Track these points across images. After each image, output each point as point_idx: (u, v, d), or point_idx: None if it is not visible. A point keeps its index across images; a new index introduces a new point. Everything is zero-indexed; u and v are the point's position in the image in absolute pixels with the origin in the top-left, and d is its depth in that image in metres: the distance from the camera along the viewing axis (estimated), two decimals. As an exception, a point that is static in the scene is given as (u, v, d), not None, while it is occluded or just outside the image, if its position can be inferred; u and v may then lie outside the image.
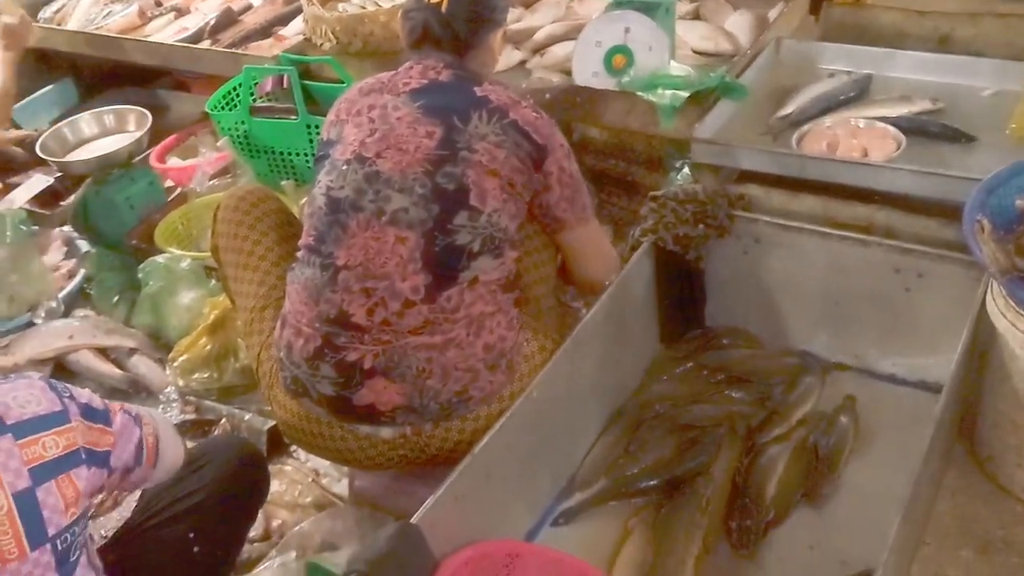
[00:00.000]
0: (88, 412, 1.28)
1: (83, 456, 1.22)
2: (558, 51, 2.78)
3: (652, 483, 1.95)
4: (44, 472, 1.17)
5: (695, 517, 1.85)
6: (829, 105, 2.38)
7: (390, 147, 1.79)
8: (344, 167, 1.82)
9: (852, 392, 2.12)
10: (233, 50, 3.13)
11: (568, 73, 2.60)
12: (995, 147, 2.19)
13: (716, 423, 2.06)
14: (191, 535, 1.50)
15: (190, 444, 2.22)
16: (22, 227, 2.85)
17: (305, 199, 1.91)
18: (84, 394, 1.32)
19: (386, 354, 1.77)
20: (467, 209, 1.77)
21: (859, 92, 2.42)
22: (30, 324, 2.62)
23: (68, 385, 1.32)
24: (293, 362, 1.84)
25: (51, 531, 1.16)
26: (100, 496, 1.44)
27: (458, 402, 1.80)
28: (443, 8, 1.85)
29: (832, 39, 2.74)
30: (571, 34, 2.73)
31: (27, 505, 1.15)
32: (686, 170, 2.37)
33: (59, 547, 1.17)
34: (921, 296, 2.01)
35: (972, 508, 1.84)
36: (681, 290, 2.22)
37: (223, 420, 2.29)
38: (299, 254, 1.87)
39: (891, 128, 2.24)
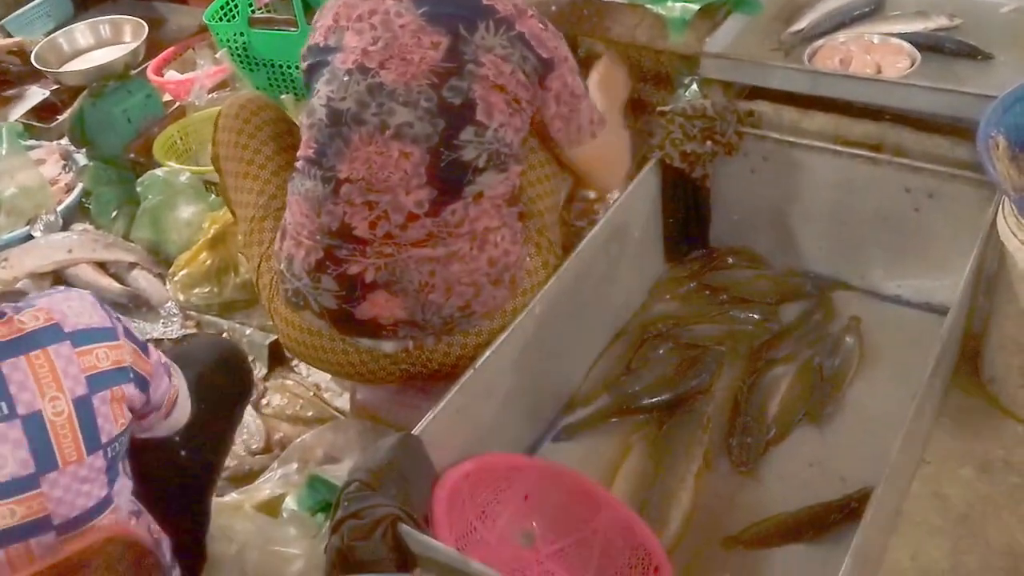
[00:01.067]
0: (131, 336, 1.28)
1: (130, 375, 1.23)
2: (565, -38, 2.70)
3: (654, 400, 1.96)
4: (98, 382, 1.18)
5: (696, 434, 1.86)
6: (843, 20, 2.31)
7: (393, 57, 1.72)
8: (346, 77, 1.74)
9: (857, 313, 2.10)
10: (232, -42, 3.04)
11: (575, -15, 2.53)
12: (1012, 65, 2.13)
13: (718, 342, 2.05)
14: (176, 438, 1.49)
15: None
16: (19, 140, 2.82)
17: (305, 110, 1.84)
18: (125, 322, 1.32)
19: (388, 267, 1.75)
20: (473, 124, 1.72)
21: (874, 7, 2.35)
22: (28, 237, 2.60)
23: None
24: (294, 274, 1.82)
25: (104, 439, 1.18)
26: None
27: (460, 317, 1.79)
28: None
29: (848, -47, 2.65)
30: (579, -56, 2.64)
31: (85, 411, 1.16)
32: (695, 87, 2.31)
33: (109, 454, 1.19)
34: (931, 216, 1.98)
35: (974, 428, 1.84)
36: (687, 208, 2.20)
37: (224, 334, 2.28)
38: (298, 164, 1.82)
39: (906, 44, 2.18)
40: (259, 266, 1.93)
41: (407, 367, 1.83)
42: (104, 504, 1.18)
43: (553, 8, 2.48)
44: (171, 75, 3.10)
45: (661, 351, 2.06)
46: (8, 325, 1.14)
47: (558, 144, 1.89)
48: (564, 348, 1.96)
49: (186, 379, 1.48)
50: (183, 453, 1.52)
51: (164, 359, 1.39)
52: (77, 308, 1.22)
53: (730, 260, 2.23)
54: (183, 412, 1.47)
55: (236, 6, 2.90)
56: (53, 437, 1.13)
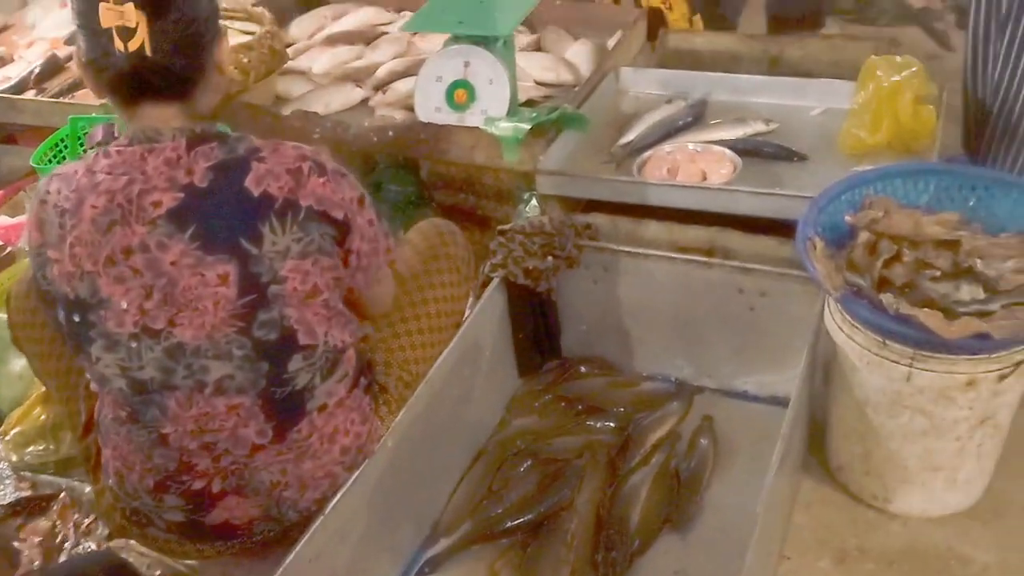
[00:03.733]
0: None
1: None
2: (400, 87, 2.75)
3: (518, 521, 1.92)
4: None
5: (560, 552, 1.84)
6: (668, 131, 2.42)
7: (182, 309, 1.46)
8: (133, 343, 1.48)
9: (709, 412, 2.14)
10: (57, 99, 2.97)
11: (411, 109, 2.57)
12: (826, 164, 2.27)
13: (578, 454, 2.05)
14: None
15: (31, 525, 2.10)
16: None
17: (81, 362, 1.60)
18: None
19: (236, 474, 1.60)
20: (300, 351, 1.53)
21: (696, 117, 2.48)
22: None
23: None
24: (128, 493, 1.65)
25: None
26: None
27: (318, 510, 1.64)
28: (147, 51, 1.40)
29: (669, 65, 2.81)
30: (412, 70, 2.70)
31: None
32: (534, 202, 2.37)
33: None
34: (765, 314, 2.06)
35: (828, 518, 1.88)
36: (536, 322, 2.21)
37: (62, 494, 2.14)
38: (106, 417, 1.62)
39: (727, 151, 2.30)
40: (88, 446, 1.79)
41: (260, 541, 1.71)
42: None
43: (391, 133, 2.52)
44: (1, 220, 2.97)
45: (522, 469, 2.03)
46: None
47: (356, 290, 1.66)
48: (422, 477, 1.91)
49: None
50: None
51: None
52: None
53: (583, 369, 2.25)
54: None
55: (66, 147, 2.82)
56: None
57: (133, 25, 1.38)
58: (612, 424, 2.13)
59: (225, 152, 1.48)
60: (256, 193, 1.46)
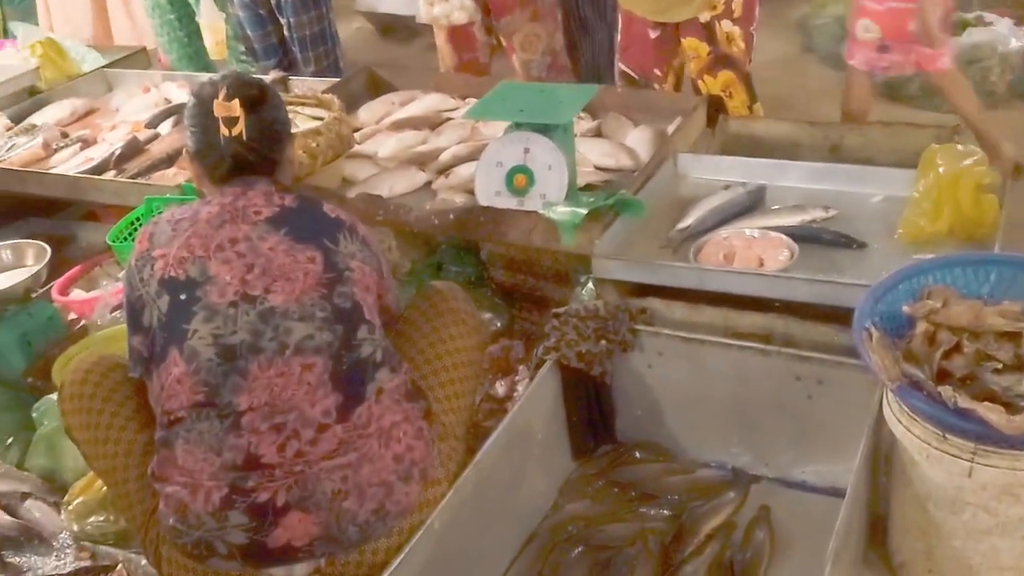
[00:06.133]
0: None
1: None
2: (462, 172, 2.81)
3: (567, 610, 1.90)
4: None
5: (611, 645, 1.80)
6: (725, 217, 2.43)
7: (277, 279, 1.76)
8: (231, 311, 1.74)
9: (766, 502, 2.10)
10: (135, 180, 3.11)
11: (472, 193, 2.63)
12: (885, 253, 2.25)
13: (630, 542, 2.01)
14: None
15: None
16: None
17: (164, 364, 1.75)
18: None
19: (299, 484, 1.72)
20: (365, 323, 1.81)
21: (754, 203, 2.48)
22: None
23: None
24: (191, 524, 1.74)
25: None
26: None
27: (376, 521, 1.76)
28: (244, 136, 1.83)
29: (729, 151, 2.83)
30: (474, 155, 2.77)
31: None
32: (590, 285, 2.38)
33: None
34: (823, 402, 2.02)
35: (888, 618, 1.81)
36: (590, 406, 2.21)
37: (119, 566, 2.17)
38: (179, 415, 1.74)
39: (785, 237, 2.30)
40: (145, 523, 1.85)
41: None
42: None
43: (451, 216, 2.57)
44: (77, 294, 3.08)
45: (573, 555, 2.01)
46: None
47: (387, 313, 1.97)
48: (471, 559, 1.90)
49: None
50: None
51: None
52: None
53: (637, 455, 2.23)
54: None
55: (140, 226, 2.93)
56: None
57: (237, 115, 1.82)
58: (666, 511, 2.10)
59: (307, 198, 1.93)
60: (331, 216, 1.88)
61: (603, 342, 2.09)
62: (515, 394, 2.39)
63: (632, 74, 3.38)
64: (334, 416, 1.74)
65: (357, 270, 1.83)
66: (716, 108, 3.07)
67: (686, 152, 2.78)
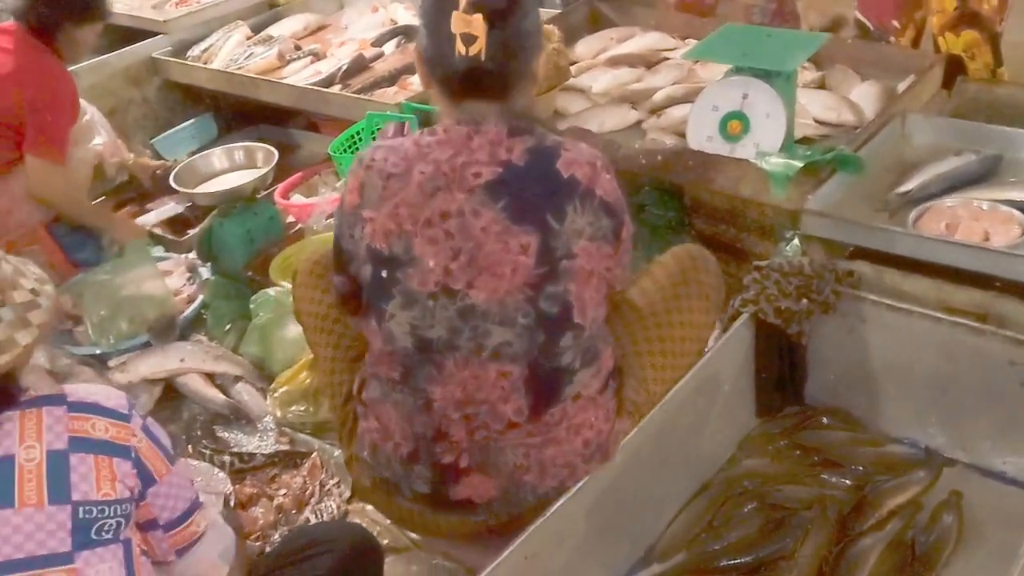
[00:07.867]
0: (151, 435, 1.37)
1: (132, 455, 1.32)
2: (675, 113, 2.77)
3: (733, 562, 1.89)
4: (84, 445, 1.28)
5: (775, 603, 1.78)
6: (952, 184, 2.29)
7: (482, 272, 1.59)
8: (430, 302, 1.62)
9: (958, 487, 2.00)
10: (359, 95, 3.24)
11: (683, 136, 2.59)
12: None
13: (807, 506, 1.98)
14: None
15: (284, 477, 2.31)
16: (148, 252, 3.01)
17: (367, 323, 1.72)
18: (159, 429, 1.40)
19: (483, 451, 1.72)
20: (572, 329, 1.65)
21: (986, 172, 2.32)
22: (147, 344, 2.75)
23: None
24: (380, 463, 1.81)
25: (75, 496, 1.26)
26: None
27: (555, 494, 1.73)
28: (482, 57, 1.54)
29: (963, 116, 2.65)
30: (689, 97, 2.72)
31: (57, 464, 1.26)
32: (796, 241, 2.31)
33: (80, 514, 1.26)
34: (1038, 392, 1.90)
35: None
36: (781, 364, 2.16)
37: (314, 454, 2.34)
38: (381, 377, 1.75)
39: (1017, 213, 2.14)
40: (345, 420, 1.94)
41: (492, 527, 1.81)
42: (58, 559, 1.24)
43: (659, 158, 2.55)
44: (297, 198, 3.28)
45: (746, 510, 1.99)
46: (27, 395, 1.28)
47: (612, 287, 1.75)
48: (644, 499, 1.92)
49: (319, 569, 1.54)
50: None
51: (206, 504, 1.45)
52: (94, 390, 1.35)
53: (825, 420, 2.17)
54: (207, 564, 1.48)
55: (360, 139, 3.07)
56: (17, 479, 1.24)
57: (477, 34, 1.53)
58: (848, 481, 2.04)
59: (537, 139, 1.63)
60: (565, 176, 1.61)
61: (804, 301, 2.03)
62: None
63: (868, 24, 3.19)
64: (526, 415, 1.69)
65: (581, 254, 1.61)
66: (955, 69, 2.86)
67: (916, 113, 2.62)
